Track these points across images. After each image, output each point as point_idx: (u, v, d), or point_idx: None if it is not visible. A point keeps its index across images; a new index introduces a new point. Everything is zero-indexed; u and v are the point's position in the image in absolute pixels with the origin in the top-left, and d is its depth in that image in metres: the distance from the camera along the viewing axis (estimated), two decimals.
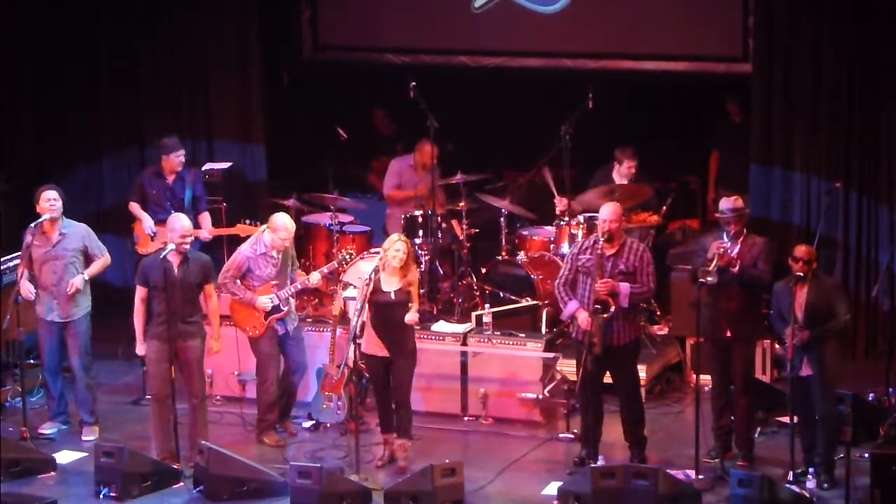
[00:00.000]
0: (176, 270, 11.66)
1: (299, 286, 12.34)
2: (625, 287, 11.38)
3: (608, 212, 11.51)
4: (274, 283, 12.19)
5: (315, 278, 12.39)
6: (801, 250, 11.17)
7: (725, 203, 11.63)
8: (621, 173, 14.05)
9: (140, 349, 11.86)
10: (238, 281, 12.19)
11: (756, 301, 11.67)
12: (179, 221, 11.80)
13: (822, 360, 11.06)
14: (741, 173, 14.31)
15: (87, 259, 12.41)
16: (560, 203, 14.07)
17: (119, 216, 15.52)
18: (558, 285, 11.67)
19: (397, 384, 11.69)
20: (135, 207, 13.94)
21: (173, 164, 13.89)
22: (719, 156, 15.13)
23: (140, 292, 11.76)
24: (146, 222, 13.81)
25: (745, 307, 11.50)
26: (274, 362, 12.26)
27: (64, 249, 12.32)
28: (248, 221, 13.45)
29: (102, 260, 12.48)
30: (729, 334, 11.52)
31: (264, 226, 12.30)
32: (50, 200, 12.28)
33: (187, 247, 11.68)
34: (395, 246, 11.57)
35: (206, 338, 11.87)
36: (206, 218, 13.90)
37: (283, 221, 12.18)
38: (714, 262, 11.30)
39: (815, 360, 11.05)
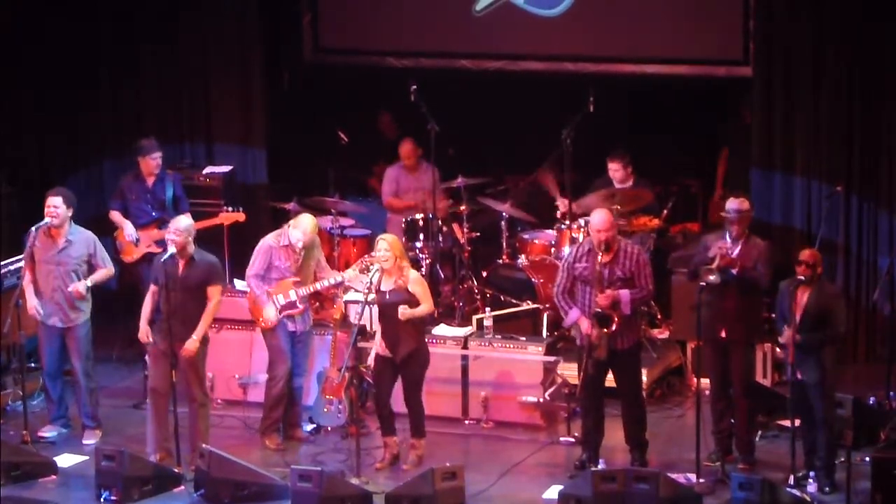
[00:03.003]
0: (180, 270, 11.68)
1: (326, 284, 12.33)
2: (625, 294, 11.37)
3: (600, 221, 11.46)
4: (295, 279, 12.20)
5: (350, 274, 12.34)
6: (804, 253, 11.18)
7: (732, 203, 11.62)
8: (613, 178, 14.03)
9: (141, 335, 11.85)
10: (264, 274, 12.20)
11: (755, 303, 11.67)
12: (175, 221, 11.86)
13: (822, 364, 11.06)
14: (748, 175, 14.33)
15: (91, 268, 12.39)
16: (563, 205, 14.08)
17: None
18: (556, 294, 11.65)
19: (404, 385, 11.77)
20: (115, 215, 13.92)
21: (150, 166, 13.89)
22: (728, 156, 15.12)
23: (151, 288, 11.86)
24: (127, 229, 13.80)
25: (744, 309, 11.50)
26: (284, 357, 12.24)
27: (68, 256, 12.31)
28: (229, 209, 13.46)
29: (106, 270, 12.46)
30: (727, 336, 11.52)
31: (291, 221, 12.33)
32: (51, 207, 12.26)
33: (172, 247, 11.68)
34: (378, 246, 11.72)
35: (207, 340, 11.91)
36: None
37: (304, 224, 12.17)
38: (716, 262, 11.31)
39: (814, 363, 11.05)
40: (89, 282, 12.35)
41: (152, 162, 13.88)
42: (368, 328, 12.53)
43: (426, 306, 11.74)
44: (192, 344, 11.69)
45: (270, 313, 12.16)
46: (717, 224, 13.04)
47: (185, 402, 11.89)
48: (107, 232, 13.99)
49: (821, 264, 11.16)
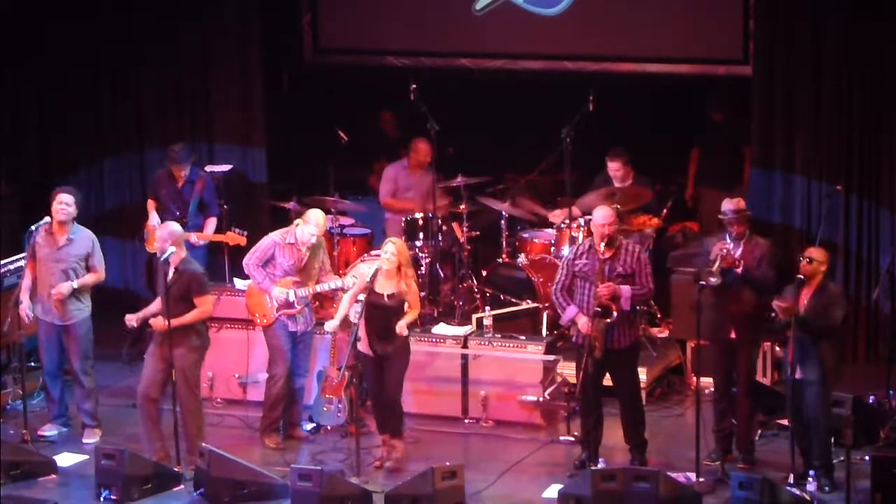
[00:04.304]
0: (168, 277, 11.66)
1: (326, 288, 12.33)
2: (626, 290, 11.38)
3: (604, 216, 11.48)
4: (295, 280, 12.19)
5: (350, 282, 12.34)
6: (809, 249, 11.19)
7: (728, 204, 11.62)
8: (613, 178, 14.04)
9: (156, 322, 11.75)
10: (262, 266, 12.20)
11: (761, 303, 11.66)
12: (163, 226, 11.90)
13: (823, 363, 11.05)
14: (722, 171, 14.34)
15: (88, 268, 12.37)
16: (553, 217, 14.10)
17: (119, 218, 15.57)
18: (555, 291, 11.65)
19: (389, 384, 11.74)
20: (150, 205, 14.15)
21: (178, 172, 13.99)
22: (700, 154, 15.16)
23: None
24: (152, 220, 13.92)
25: (748, 309, 11.49)
26: (284, 356, 12.23)
27: (68, 254, 12.29)
28: (237, 230, 13.43)
29: (96, 276, 12.40)
30: (733, 336, 11.52)
31: (298, 220, 12.32)
32: (62, 203, 12.24)
33: (162, 252, 11.66)
34: (386, 248, 11.70)
35: (199, 345, 11.86)
36: (210, 223, 13.96)
37: (315, 217, 12.18)
38: (717, 264, 11.31)
39: (815, 362, 11.04)
40: (75, 283, 12.30)
41: (177, 173, 14.00)
42: None
43: (415, 312, 11.76)
44: (158, 323, 11.56)
45: (279, 292, 12.11)
46: (707, 222, 13.06)
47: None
48: (105, 231, 14.02)
49: (826, 263, 11.14)
